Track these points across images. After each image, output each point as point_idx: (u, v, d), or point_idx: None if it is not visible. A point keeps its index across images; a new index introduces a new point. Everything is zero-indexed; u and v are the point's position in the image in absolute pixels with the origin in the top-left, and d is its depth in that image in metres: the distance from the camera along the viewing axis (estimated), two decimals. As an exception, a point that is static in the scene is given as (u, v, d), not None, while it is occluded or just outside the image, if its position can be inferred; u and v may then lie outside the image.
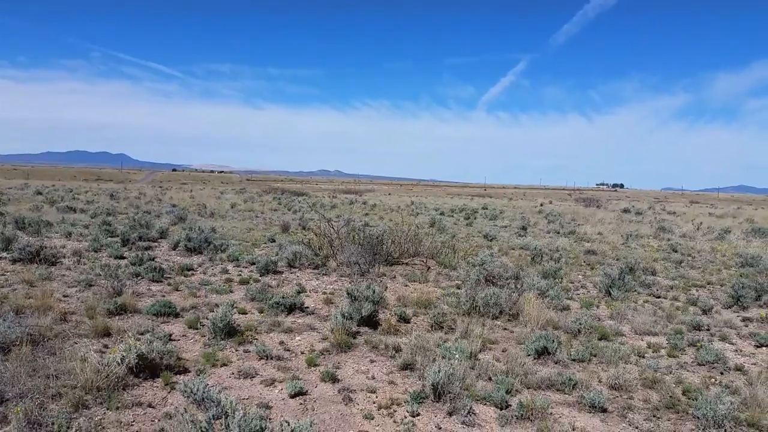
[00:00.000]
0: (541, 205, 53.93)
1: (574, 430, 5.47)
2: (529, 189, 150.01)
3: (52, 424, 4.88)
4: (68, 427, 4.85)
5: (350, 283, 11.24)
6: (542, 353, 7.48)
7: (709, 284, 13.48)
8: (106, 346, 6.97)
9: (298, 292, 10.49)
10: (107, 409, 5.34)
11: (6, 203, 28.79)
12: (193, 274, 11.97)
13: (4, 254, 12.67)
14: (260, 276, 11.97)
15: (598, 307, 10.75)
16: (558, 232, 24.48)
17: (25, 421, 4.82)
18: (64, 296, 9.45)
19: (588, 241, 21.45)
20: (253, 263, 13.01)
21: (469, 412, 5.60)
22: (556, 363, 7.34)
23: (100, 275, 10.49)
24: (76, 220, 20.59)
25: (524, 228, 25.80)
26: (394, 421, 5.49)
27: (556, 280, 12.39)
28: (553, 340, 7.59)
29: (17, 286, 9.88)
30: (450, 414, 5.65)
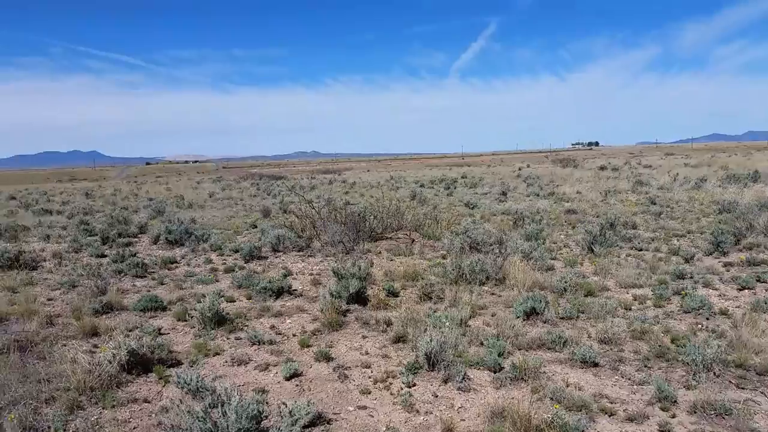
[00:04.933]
0: (519, 169, 54.19)
1: (567, 386, 5.56)
2: (507, 155, 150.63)
3: (49, 428, 4.84)
4: (65, 430, 4.82)
5: (336, 262, 11.22)
6: (531, 314, 7.57)
7: (689, 233, 13.70)
8: (95, 346, 6.89)
9: (285, 276, 10.46)
10: (103, 408, 5.30)
11: (-22, 211, 28.15)
12: (176, 267, 11.86)
13: (-18, 263, 12.41)
14: (245, 263, 11.90)
15: (581, 264, 10.88)
16: (537, 195, 24.67)
17: (20, 428, 4.77)
18: (49, 300, 9.32)
19: (567, 201, 21.65)
20: (237, 251, 12.92)
21: (464, 378, 5.65)
22: (545, 323, 7.43)
23: (83, 275, 10.33)
24: (53, 223, 20.23)
25: (504, 193, 25.95)
26: (391, 394, 5.53)
27: (539, 241, 12.49)
28: (541, 301, 7.67)
29: (-2, 293, 9.71)
30: (445, 381, 5.70)
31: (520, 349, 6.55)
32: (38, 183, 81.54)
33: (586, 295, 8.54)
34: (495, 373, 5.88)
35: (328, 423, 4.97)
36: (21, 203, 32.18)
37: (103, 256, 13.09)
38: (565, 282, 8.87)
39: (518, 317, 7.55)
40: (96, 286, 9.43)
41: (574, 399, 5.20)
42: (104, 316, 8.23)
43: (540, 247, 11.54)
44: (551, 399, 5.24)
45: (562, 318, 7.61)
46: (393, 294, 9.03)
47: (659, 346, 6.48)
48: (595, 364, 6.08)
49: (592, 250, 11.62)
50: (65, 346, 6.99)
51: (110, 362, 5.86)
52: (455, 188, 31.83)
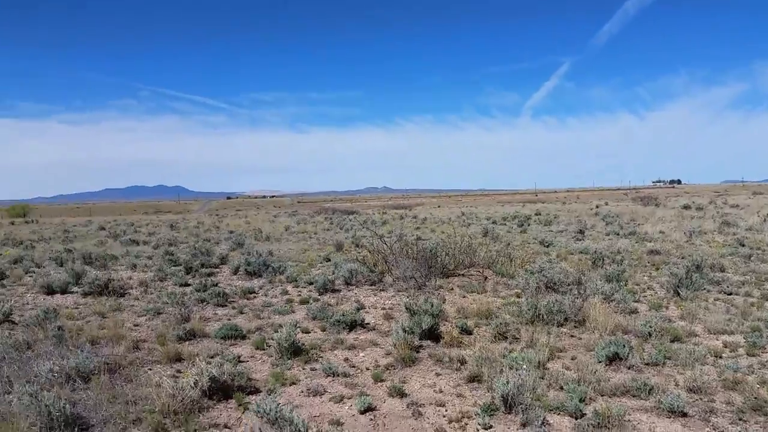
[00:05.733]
0: (597, 206, 52.58)
1: (654, 436, 5.28)
2: (582, 191, 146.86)
3: (135, 448, 5.05)
4: (150, 451, 5.00)
5: (407, 297, 11.22)
6: (613, 359, 7.26)
7: (783, 278, 12.80)
8: (179, 371, 7.18)
9: (358, 309, 10.55)
10: (185, 431, 5.48)
11: (73, 240, 30.18)
12: (255, 297, 12.23)
13: (76, 288, 13.27)
14: (319, 295, 12.12)
15: (667, 308, 10.36)
16: (617, 234, 23.80)
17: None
18: (135, 325, 9.81)
19: (650, 241, 20.76)
20: (311, 283, 13.19)
21: (543, 423, 5.47)
22: (629, 368, 7.10)
23: (167, 303, 10.83)
24: (139, 252, 21.37)
25: (581, 231, 25.20)
26: (467, 434, 5.42)
27: (621, 283, 12.01)
28: (624, 345, 7.35)
29: (90, 318, 10.32)
30: (523, 425, 5.53)
31: (602, 395, 6.28)
32: (126, 215, 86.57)
33: (672, 341, 8.12)
34: (576, 419, 5.65)
35: (402, 460, 4.93)
36: (110, 233, 34.23)
37: (187, 285, 13.67)
38: (650, 326, 8.46)
39: (600, 362, 7.25)
40: (180, 313, 9.86)
41: (662, 450, 4.93)
42: (187, 343, 8.56)
43: (622, 288, 11.10)
44: (637, 449, 4.99)
45: (647, 364, 7.25)
46: (466, 332, 8.92)
47: (755, 398, 6.05)
48: (684, 414, 5.75)
49: (678, 294, 11.06)
50: (150, 370, 7.31)
51: (193, 387, 6.08)
52: (529, 225, 31.22)
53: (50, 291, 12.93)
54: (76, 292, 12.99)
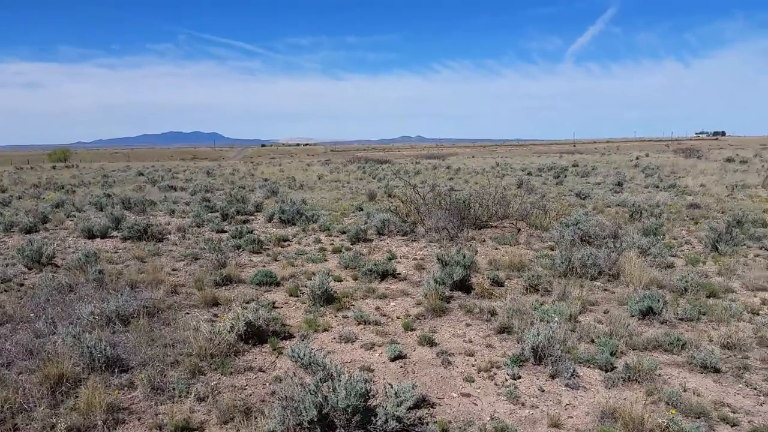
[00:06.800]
0: (637, 158, 51.23)
1: (685, 391, 5.25)
2: (623, 142, 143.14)
3: (173, 389, 5.24)
4: (188, 392, 5.19)
5: (440, 248, 11.24)
6: (647, 313, 7.20)
7: (831, 235, 12.35)
8: (215, 316, 7.40)
9: (389, 259, 10.62)
10: (221, 374, 5.68)
11: (112, 185, 30.93)
12: (288, 245, 12.42)
13: (115, 233, 13.68)
14: (351, 244, 12.22)
15: (704, 263, 10.15)
16: (657, 186, 23.26)
17: (149, 387, 5.23)
18: (173, 270, 10.08)
19: (690, 194, 20.23)
20: (344, 232, 13.30)
21: (572, 375, 5.50)
22: (662, 323, 7.04)
23: (205, 249, 11.08)
24: (177, 198, 21.82)
25: (620, 184, 24.69)
26: (495, 384, 5.49)
27: (658, 237, 11.78)
28: (658, 300, 7.27)
29: (129, 262, 10.64)
30: (552, 377, 5.57)
31: (634, 350, 6.26)
32: (163, 161, 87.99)
33: (708, 296, 8.00)
34: (606, 372, 5.67)
35: (432, 407, 5.03)
36: (148, 179, 34.92)
37: (223, 231, 13.96)
38: (686, 281, 8.32)
39: (633, 316, 7.21)
40: (216, 259, 10.09)
41: (692, 405, 4.91)
42: (224, 288, 8.79)
43: (659, 242, 10.90)
44: (667, 403, 4.99)
45: (681, 319, 7.18)
46: (497, 283, 8.93)
47: (793, 356, 5.94)
48: (717, 370, 5.70)
49: (717, 249, 10.80)
50: (188, 314, 7.54)
51: (229, 332, 6.26)
52: (565, 177, 30.69)
53: (91, 235, 13.36)
54: (116, 236, 13.40)
